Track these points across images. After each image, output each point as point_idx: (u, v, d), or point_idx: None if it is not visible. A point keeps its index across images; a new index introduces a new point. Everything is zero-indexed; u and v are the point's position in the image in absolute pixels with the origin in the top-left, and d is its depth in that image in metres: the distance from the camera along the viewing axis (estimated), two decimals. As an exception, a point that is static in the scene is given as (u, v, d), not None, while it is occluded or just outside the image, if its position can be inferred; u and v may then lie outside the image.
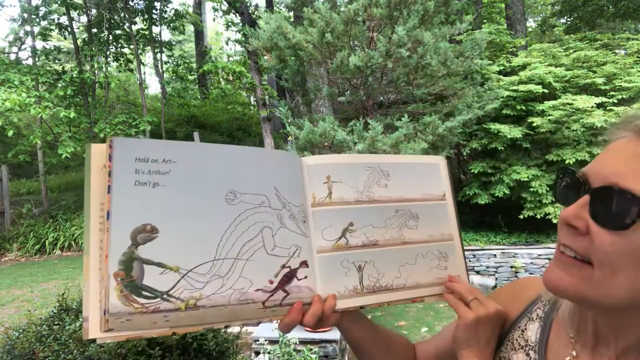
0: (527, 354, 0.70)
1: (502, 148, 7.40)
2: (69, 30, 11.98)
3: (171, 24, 12.81)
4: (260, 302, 0.67)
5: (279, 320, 0.70)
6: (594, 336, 0.61)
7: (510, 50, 9.67)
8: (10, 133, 8.96)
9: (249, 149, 0.72)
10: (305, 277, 0.72)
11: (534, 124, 7.19)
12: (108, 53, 12.10)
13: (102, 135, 9.98)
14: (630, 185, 0.50)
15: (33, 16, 11.23)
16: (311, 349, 3.36)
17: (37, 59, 11.42)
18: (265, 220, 0.70)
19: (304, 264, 0.72)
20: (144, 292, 0.59)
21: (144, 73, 13.45)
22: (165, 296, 0.60)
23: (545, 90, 7.47)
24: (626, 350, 0.57)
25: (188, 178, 0.65)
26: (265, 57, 7.37)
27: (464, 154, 8.71)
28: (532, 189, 6.99)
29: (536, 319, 0.72)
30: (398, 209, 0.82)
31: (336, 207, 0.77)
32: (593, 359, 0.61)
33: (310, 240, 0.74)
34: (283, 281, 0.69)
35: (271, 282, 0.68)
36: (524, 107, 7.57)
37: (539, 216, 6.94)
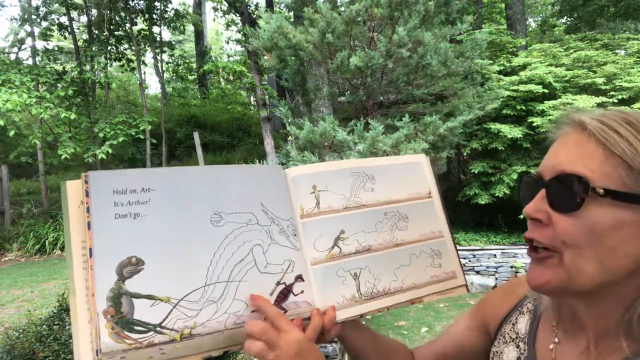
0: (517, 346, 0.72)
1: (503, 148, 7.39)
2: (69, 30, 11.98)
3: (171, 24, 12.81)
4: None
5: None
6: (573, 323, 0.65)
7: (510, 50, 9.67)
8: (11, 133, 8.97)
9: (230, 167, 0.71)
10: (302, 292, 0.70)
11: (534, 124, 7.18)
12: (109, 54, 12.10)
13: (101, 136, 9.97)
14: (574, 168, 0.55)
15: (33, 16, 11.23)
16: (311, 349, 3.36)
17: (37, 59, 11.42)
18: (255, 238, 0.68)
19: (299, 278, 0.70)
20: (136, 327, 0.57)
21: (144, 73, 13.45)
22: (158, 328, 0.58)
23: (546, 90, 7.47)
24: (603, 334, 0.60)
25: (169, 205, 0.64)
26: (266, 57, 7.36)
27: (464, 154, 8.71)
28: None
29: (526, 312, 0.75)
30: (387, 212, 0.81)
31: (325, 216, 0.76)
32: (573, 343, 0.65)
33: (302, 253, 0.72)
34: (279, 298, 0.68)
35: None
36: (524, 107, 7.56)
37: (539, 216, 6.92)
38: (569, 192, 0.54)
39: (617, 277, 0.54)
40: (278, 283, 0.68)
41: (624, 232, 0.52)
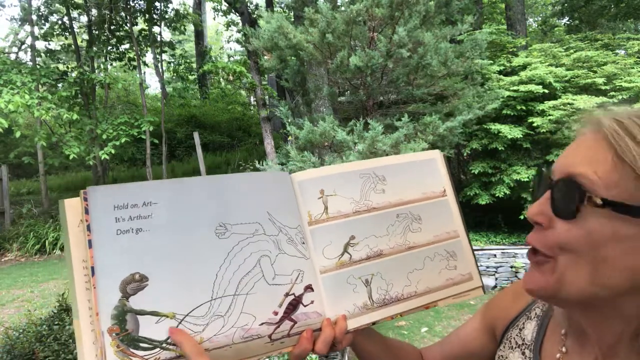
0: (523, 353, 0.70)
1: (503, 148, 7.39)
2: (70, 30, 11.98)
3: (172, 24, 12.81)
4: (267, 336, 0.64)
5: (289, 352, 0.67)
6: (582, 333, 0.62)
7: (510, 50, 9.67)
8: (17, 134, 9.00)
9: (234, 176, 0.68)
10: (312, 302, 0.68)
11: (535, 124, 7.18)
12: (110, 54, 12.09)
13: (104, 137, 9.97)
14: (578, 171, 0.51)
15: (34, 17, 11.22)
16: (311, 349, 3.36)
17: (37, 59, 11.41)
18: (262, 248, 0.66)
19: (309, 288, 0.69)
20: (141, 344, 0.57)
21: (144, 73, 13.45)
22: (164, 345, 0.58)
23: (546, 90, 7.47)
24: (611, 352, 0.56)
25: (172, 218, 0.62)
26: (266, 57, 7.37)
27: (464, 154, 8.71)
28: (532, 189, 6.98)
29: (534, 317, 0.72)
30: (399, 214, 0.78)
31: (334, 222, 0.73)
32: (582, 354, 0.62)
33: (311, 261, 0.70)
34: (288, 310, 0.66)
35: (276, 314, 0.65)
36: (524, 107, 7.56)
37: (539, 216, 6.93)
38: (569, 198, 0.51)
39: (613, 292, 0.50)
40: (287, 294, 0.66)
41: (624, 245, 0.48)
